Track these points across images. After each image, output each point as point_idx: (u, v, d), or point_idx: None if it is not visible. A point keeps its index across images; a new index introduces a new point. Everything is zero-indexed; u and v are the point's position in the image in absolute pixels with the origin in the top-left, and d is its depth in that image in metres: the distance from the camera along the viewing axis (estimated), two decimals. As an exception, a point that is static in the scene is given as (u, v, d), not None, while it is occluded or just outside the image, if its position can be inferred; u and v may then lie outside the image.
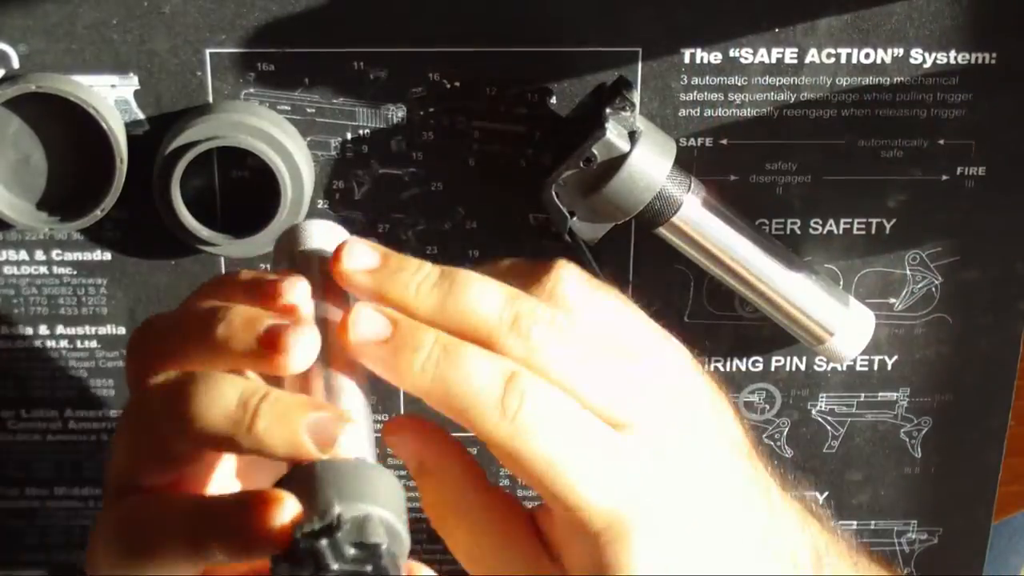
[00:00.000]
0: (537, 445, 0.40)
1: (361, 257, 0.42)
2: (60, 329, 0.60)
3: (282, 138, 0.55)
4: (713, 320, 0.62)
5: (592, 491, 0.41)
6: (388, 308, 0.41)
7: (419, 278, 0.41)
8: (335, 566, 0.34)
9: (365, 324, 0.40)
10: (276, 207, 0.55)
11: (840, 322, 0.59)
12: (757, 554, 0.46)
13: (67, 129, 0.55)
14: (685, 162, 0.58)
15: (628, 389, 0.43)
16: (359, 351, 0.41)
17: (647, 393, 0.43)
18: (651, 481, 0.42)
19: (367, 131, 0.57)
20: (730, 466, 0.46)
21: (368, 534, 0.35)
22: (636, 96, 0.56)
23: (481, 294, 0.41)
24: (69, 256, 0.59)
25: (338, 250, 0.42)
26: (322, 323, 0.42)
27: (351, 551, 0.35)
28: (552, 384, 0.41)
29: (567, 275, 0.44)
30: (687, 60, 0.56)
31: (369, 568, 0.35)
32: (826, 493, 0.66)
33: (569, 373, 0.41)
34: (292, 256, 0.46)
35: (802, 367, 0.63)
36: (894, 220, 0.60)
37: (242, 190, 0.57)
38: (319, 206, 0.58)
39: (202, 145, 0.54)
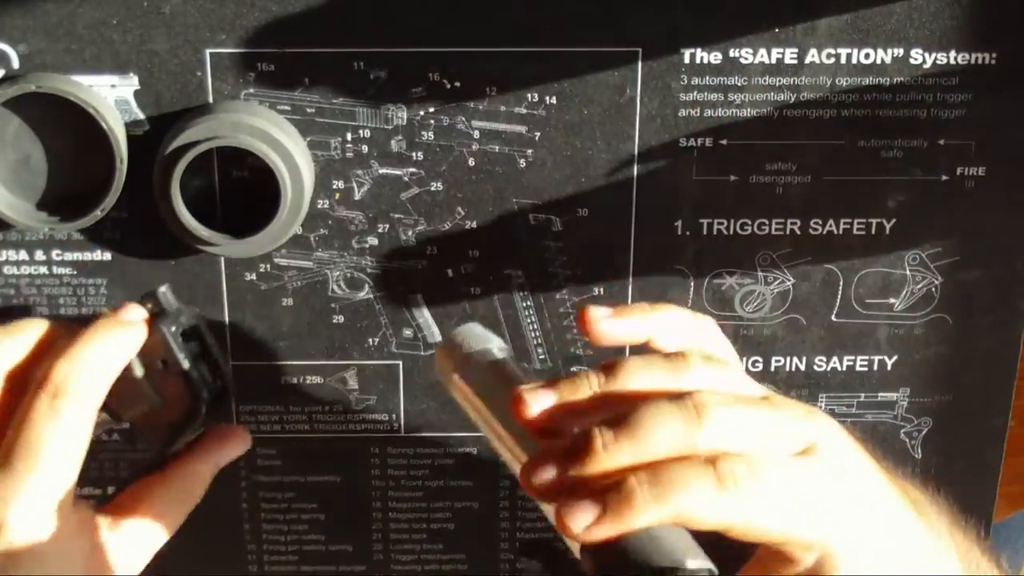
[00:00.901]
0: (757, 507, 0.41)
1: (541, 402, 0.43)
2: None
3: (282, 138, 0.55)
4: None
5: (802, 527, 0.42)
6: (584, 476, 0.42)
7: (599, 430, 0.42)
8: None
9: (582, 516, 0.41)
10: (276, 207, 0.55)
11: None
12: (934, 551, 0.47)
13: (67, 129, 0.55)
14: (685, 163, 0.58)
15: (800, 415, 0.44)
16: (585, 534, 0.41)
17: (815, 417, 0.44)
18: (842, 499, 0.43)
19: (367, 131, 0.57)
20: (882, 477, 0.47)
21: None
22: None
23: (657, 423, 0.42)
24: (69, 256, 0.59)
25: (518, 400, 0.43)
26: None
27: None
28: (741, 449, 0.42)
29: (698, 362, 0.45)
30: (687, 60, 0.56)
31: None
32: (826, 493, 0.66)
33: (750, 431, 0.42)
34: (461, 360, 0.47)
35: (802, 367, 0.63)
36: (894, 220, 0.60)
37: (242, 190, 0.57)
38: (319, 206, 0.58)
39: (202, 145, 0.54)
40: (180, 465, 0.55)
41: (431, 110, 0.57)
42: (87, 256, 0.59)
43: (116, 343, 0.51)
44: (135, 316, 0.51)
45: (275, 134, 0.54)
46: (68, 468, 0.49)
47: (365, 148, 0.58)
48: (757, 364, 0.63)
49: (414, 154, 0.58)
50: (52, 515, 0.49)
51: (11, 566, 0.48)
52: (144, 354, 0.51)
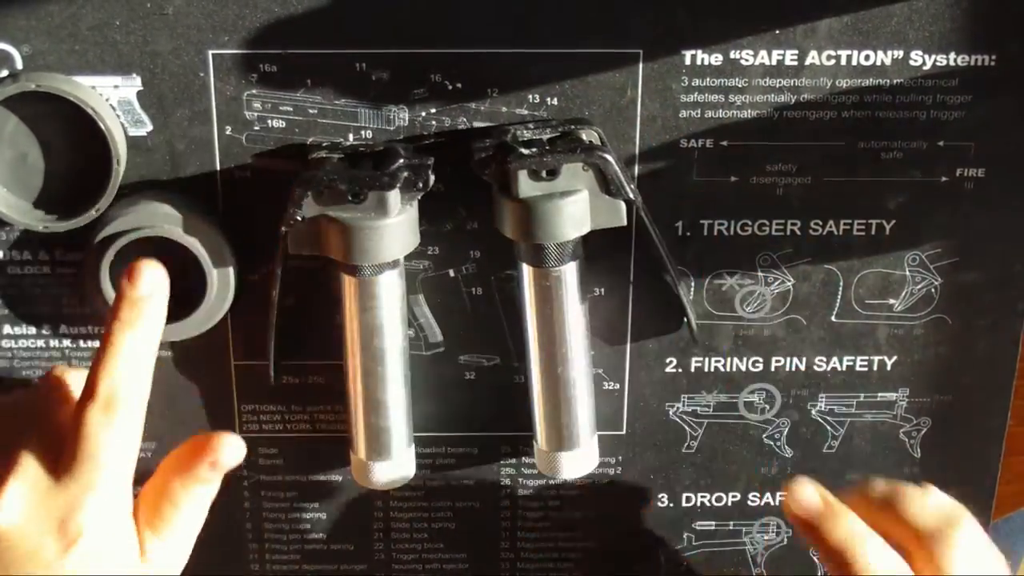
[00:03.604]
0: None
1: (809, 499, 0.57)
2: (63, 328, 0.61)
3: (202, 224, 0.56)
4: (713, 320, 0.62)
5: None
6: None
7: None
8: None
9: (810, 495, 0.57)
10: (203, 290, 0.57)
11: (585, 443, 0.60)
12: None
13: (65, 128, 0.55)
14: (685, 164, 0.58)
15: None
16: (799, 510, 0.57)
17: None
18: None
19: (369, 132, 0.57)
20: None
21: None
22: None
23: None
24: (72, 256, 0.59)
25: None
26: None
27: None
28: None
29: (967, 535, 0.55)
30: (688, 62, 0.57)
31: None
32: (825, 493, 0.66)
33: None
34: None
35: (802, 367, 0.63)
36: (894, 221, 0.60)
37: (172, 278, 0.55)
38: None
39: (131, 234, 0.55)
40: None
41: (432, 111, 0.57)
42: (89, 256, 0.59)
43: (147, 338, 0.53)
44: (145, 291, 0.53)
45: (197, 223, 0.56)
46: (129, 469, 0.52)
47: (367, 149, 0.58)
48: (757, 364, 0.63)
49: (416, 155, 0.58)
50: (120, 517, 0.52)
51: (85, 567, 0.51)
52: None
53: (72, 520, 0.50)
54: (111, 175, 0.55)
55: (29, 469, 0.51)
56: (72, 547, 0.50)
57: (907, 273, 0.61)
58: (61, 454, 0.51)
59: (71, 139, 0.55)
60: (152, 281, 0.53)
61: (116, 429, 0.51)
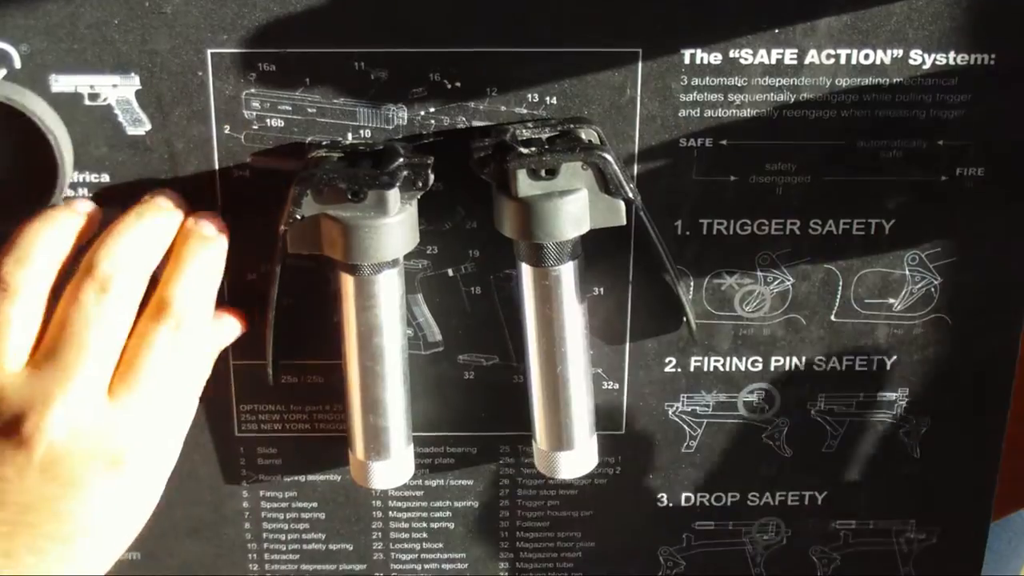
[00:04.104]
0: None
1: None
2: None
3: None
4: (713, 320, 0.62)
5: None
6: None
7: None
8: None
9: None
10: None
11: (583, 443, 0.61)
12: None
13: (12, 137, 0.54)
14: (685, 163, 0.58)
15: None
16: None
17: None
18: None
19: (368, 131, 0.57)
20: None
21: None
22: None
23: None
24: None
25: None
26: None
27: None
28: None
29: None
30: (687, 61, 0.57)
31: None
32: (825, 493, 0.66)
33: None
34: None
35: (801, 367, 0.63)
36: (893, 221, 0.60)
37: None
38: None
39: None
40: None
41: (431, 110, 0.57)
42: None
43: (219, 263, 0.56)
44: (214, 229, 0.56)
45: None
46: (192, 398, 0.57)
47: (366, 148, 0.58)
48: (757, 364, 0.63)
49: (415, 154, 0.58)
50: (173, 449, 0.56)
51: (126, 494, 0.53)
52: None
53: (125, 451, 0.53)
54: (56, 185, 0.54)
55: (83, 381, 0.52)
56: (120, 476, 0.53)
57: (907, 273, 0.61)
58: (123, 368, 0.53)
59: (19, 146, 0.54)
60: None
61: (185, 353, 0.54)
